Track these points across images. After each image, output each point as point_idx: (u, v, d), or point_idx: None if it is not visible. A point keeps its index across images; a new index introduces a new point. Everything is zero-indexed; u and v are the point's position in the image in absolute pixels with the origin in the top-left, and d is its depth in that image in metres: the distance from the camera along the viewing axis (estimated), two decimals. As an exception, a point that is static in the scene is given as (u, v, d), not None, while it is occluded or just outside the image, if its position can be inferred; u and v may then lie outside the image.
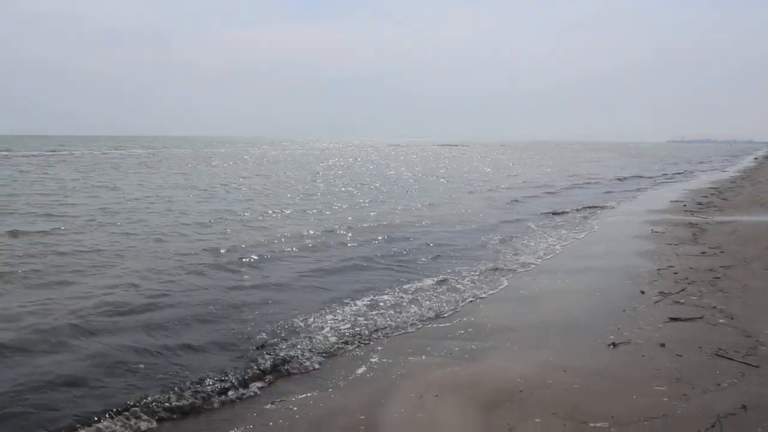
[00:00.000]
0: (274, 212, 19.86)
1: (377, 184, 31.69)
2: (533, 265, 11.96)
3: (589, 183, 35.03)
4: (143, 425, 5.39)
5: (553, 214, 20.43)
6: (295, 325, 8.16)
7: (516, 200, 24.62)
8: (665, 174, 44.30)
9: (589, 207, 22.32)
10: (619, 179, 37.97)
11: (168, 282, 10.28)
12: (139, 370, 6.59)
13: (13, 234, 14.19)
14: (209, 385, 6.15)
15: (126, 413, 5.53)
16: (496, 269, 11.54)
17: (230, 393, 6.04)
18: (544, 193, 28.38)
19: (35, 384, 6.13)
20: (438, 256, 12.80)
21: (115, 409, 5.60)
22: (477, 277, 10.99)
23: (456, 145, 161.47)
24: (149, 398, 5.81)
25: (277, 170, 44.58)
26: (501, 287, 10.26)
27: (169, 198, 23.67)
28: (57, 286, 9.88)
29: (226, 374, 6.42)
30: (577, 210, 21.41)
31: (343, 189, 28.85)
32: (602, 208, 22.19)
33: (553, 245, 14.20)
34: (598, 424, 5.12)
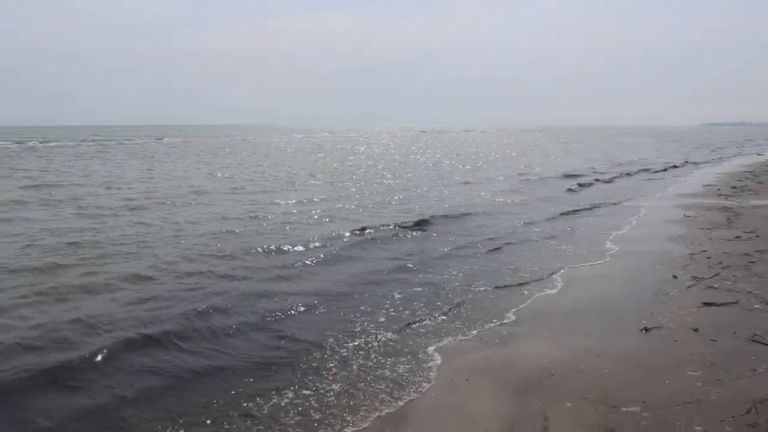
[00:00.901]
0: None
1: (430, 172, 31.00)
2: (560, 250, 11.89)
3: (643, 169, 33.72)
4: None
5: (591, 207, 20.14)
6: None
7: (571, 189, 23.71)
8: (714, 158, 42.72)
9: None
10: (673, 166, 35.96)
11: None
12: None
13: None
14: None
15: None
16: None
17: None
18: (596, 180, 27.26)
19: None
20: (497, 248, 12.48)
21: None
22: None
23: (493, 131, 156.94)
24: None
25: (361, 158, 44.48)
26: (532, 271, 10.22)
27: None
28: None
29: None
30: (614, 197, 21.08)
31: (426, 177, 28.32)
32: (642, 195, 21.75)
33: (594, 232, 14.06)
34: (630, 409, 5.12)
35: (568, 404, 5.28)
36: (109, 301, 8.36)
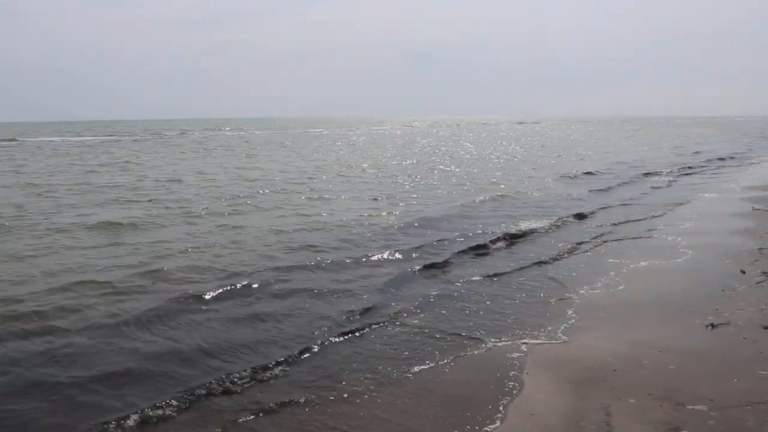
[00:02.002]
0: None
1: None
2: (621, 242, 11.64)
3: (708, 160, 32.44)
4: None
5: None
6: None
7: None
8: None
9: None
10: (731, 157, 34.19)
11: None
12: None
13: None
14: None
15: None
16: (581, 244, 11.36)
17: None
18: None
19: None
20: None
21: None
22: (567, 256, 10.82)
23: (550, 123, 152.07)
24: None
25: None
26: (589, 264, 10.05)
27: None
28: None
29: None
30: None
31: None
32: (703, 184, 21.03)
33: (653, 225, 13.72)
34: (696, 407, 5.01)
35: (632, 400, 5.20)
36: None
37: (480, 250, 11.22)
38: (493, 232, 12.67)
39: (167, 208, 16.00)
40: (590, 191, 19.70)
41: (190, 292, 8.40)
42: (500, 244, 11.75)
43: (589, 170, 26.27)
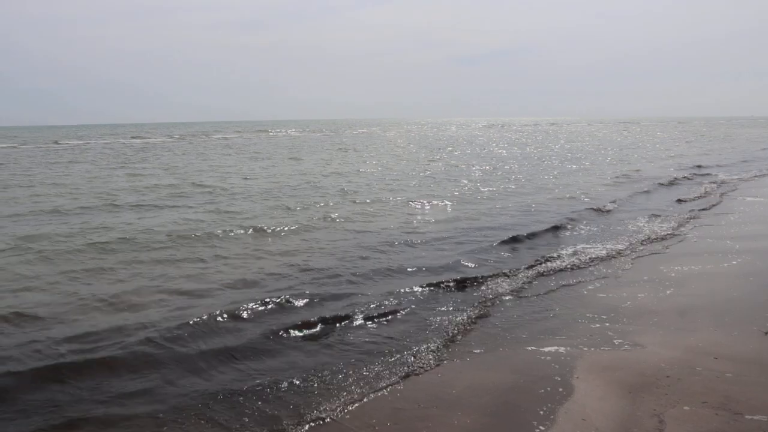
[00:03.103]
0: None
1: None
2: (672, 246, 11.36)
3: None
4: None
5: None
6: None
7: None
8: None
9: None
10: None
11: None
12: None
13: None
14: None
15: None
16: (632, 249, 11.13)
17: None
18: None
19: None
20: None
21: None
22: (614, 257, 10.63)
23: (624, 122, 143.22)
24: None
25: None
26: (639, 268, 9.85)
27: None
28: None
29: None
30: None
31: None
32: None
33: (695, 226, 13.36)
34: (755, 417, 4.87)
35: (686, 408, 5.09)
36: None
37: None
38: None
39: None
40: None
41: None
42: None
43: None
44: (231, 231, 12.89)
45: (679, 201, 17.02)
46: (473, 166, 29.19)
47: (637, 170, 26.18)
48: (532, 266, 10.08)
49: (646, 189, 20.18)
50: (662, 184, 21.62)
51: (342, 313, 7.77)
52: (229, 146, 53.57)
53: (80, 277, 9.52)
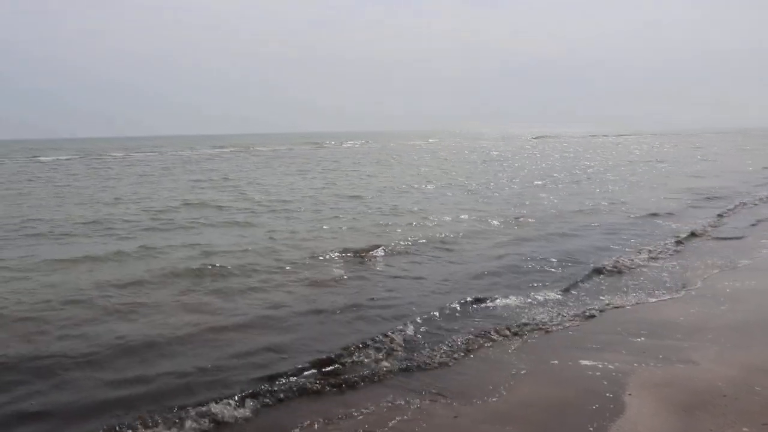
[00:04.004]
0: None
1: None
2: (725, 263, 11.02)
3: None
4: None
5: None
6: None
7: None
8: None
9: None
10: None
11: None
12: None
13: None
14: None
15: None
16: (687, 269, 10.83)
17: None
18: None
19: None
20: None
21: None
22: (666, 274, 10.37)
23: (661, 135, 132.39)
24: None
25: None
26: (695, 285, 9.59)
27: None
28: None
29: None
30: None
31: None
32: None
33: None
34: (820, 440, 4.68)
35: (745, 429, 4.93)
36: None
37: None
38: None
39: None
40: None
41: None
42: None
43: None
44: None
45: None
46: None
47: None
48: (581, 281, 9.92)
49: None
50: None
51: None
52: (323, 158, 53.38)
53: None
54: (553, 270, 10.63)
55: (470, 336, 7.35)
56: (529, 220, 16.19)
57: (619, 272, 10.39)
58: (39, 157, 63.34)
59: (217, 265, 10.83)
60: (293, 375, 6.26)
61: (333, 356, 6.70)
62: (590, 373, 6.24)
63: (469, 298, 8.79)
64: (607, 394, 5.69)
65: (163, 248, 12.40)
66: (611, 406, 5.46)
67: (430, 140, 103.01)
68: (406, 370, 6.45)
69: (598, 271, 10.40)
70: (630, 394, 5.67)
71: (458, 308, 8.44)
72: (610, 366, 6.37)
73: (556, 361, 6.60)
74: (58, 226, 15.71)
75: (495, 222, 15.77)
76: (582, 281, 9.85)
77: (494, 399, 5.72)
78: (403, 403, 5.66)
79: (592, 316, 8.10)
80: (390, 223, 15.63)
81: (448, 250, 12.34)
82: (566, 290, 9.33)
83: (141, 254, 11.88)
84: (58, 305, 8.63)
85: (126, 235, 14.30)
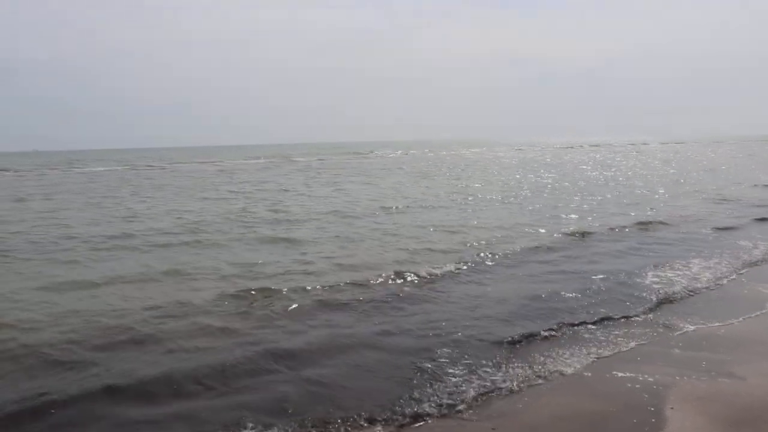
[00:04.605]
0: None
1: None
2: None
3: None
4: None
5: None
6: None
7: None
8: None
9: None
10: None
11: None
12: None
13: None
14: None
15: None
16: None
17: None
18: None
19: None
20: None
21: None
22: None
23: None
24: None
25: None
26: (737, 293, 9.19)
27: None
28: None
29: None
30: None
31: None
32: None
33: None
34: None
35: (798, 447, 4.62)
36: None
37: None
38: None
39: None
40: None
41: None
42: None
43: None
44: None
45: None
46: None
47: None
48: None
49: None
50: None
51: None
52: (386, 167, 53.07)
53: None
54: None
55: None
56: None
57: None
58: (78, 168, 64.72)
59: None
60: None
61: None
62: (629, 385, 5.95)
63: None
64: (648, 408, 5.39)
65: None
66: (652, 420, 5.18)
67: (473, 150, 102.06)
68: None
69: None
70: (672, 408, 5.38)
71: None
72: (649, 378, 6.08)
73: (589, 374, 6.33)
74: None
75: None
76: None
77: (530, 412, 5.49)
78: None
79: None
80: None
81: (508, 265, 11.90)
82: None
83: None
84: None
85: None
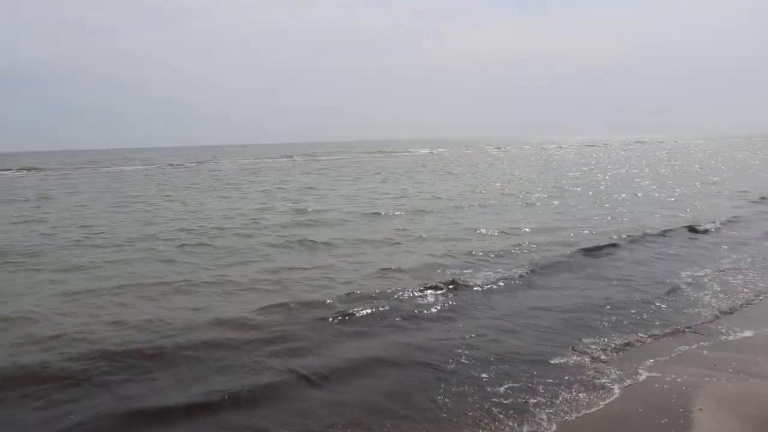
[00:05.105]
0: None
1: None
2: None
3: None
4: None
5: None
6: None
7: None
8: None
9: None
10: None
11: None
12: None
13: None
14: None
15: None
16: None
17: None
18: None
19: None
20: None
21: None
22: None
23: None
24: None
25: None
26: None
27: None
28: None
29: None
30: None
31: None
32: None
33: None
34: None
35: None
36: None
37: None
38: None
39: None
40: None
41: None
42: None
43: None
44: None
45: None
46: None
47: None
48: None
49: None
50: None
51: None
52: (423, 165, 52.91)
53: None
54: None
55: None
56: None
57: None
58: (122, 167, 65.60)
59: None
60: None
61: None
62: (656, 385, 5.96)
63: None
64: (677, 409, 5.36)
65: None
66: (680, 421, 5.15)
67: (500, 148, 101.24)
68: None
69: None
70: (700, 410, 5.35)
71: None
72: (675, 378, 6.06)
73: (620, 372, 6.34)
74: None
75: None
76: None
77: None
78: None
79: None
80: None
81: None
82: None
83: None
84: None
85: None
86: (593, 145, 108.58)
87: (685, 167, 41.38)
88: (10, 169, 60.92)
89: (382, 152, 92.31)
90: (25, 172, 57.34)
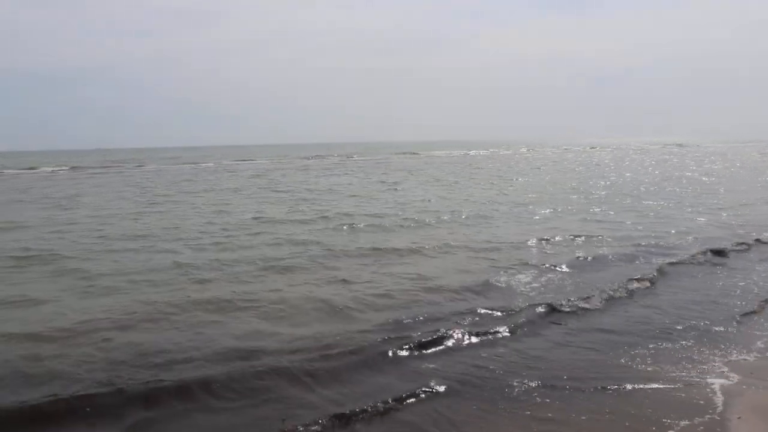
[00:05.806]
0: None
1: None
2: None
3: None
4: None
5: None
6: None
7: None
8: None
9: None
10: None
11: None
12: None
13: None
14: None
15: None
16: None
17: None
18: None
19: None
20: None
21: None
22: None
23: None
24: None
25: None
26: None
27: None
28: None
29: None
30: None
31: None
32: None
33: None
34: None
35: None
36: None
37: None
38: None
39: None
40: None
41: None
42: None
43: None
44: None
45: None
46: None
47: None
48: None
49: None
50: None
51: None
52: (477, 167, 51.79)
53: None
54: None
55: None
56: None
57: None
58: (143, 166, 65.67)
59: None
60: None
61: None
62: (692, 390, 5.75)
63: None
64: (713, 416, 5.18)
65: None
66: (717, 429, 4.98)
67: (523, 150, 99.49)
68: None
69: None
70: (740, 418, 5.16)
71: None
72: (713, 384, 5.84)
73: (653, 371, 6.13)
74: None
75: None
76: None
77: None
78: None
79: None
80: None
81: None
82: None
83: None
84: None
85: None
86: (621, 148, 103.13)
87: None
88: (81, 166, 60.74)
89: (414, 153, 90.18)
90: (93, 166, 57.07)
